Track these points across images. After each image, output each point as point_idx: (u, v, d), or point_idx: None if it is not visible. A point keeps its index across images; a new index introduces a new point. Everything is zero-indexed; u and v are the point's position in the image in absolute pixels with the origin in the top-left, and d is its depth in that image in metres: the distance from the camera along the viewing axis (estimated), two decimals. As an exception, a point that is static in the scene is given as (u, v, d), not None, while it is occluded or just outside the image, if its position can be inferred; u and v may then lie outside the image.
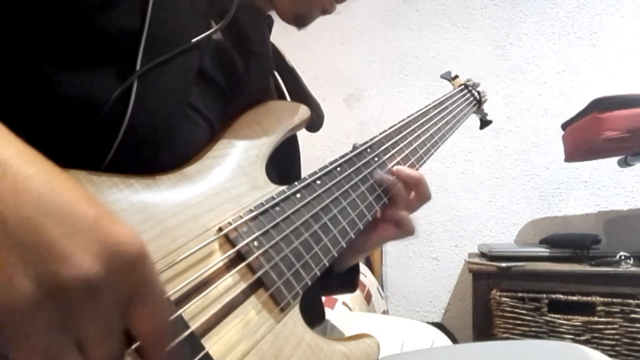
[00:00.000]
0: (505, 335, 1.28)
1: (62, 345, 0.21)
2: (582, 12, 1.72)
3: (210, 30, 0.40)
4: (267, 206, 0.40)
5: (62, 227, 0.22)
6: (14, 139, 0.23)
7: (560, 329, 1.23)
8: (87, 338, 0.22)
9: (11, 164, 0.22)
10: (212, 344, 0.32)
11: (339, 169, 0.49)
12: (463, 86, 0.84)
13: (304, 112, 0.52)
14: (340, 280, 0.61)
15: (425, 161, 0.63)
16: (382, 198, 0.53)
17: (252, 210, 0.39)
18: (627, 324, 1.19)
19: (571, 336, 1.22)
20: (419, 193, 0.56)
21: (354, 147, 0.54)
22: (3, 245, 0.20)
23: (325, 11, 0.56)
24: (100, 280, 0.22)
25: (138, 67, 0.34)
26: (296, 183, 0.44)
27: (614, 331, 1.19)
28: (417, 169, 0.60)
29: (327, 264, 0.43)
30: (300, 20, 0.55)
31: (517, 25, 1.79)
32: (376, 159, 0.55)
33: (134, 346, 0.25)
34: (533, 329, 1.26)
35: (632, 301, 1.19)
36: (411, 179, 0.55)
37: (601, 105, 1.22)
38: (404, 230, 0.56)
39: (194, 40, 0.38)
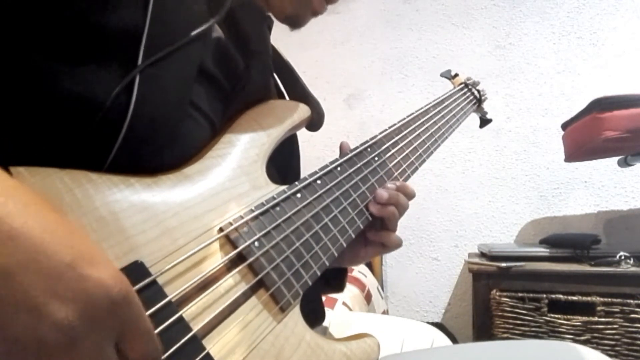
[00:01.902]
0: (505, 335, 1.28)
1: None
2: (582, 12, 1.72)
3: (208, 23, 0.40)
4: (267, 206, 0.40)
5: (36, 276, 0.20)
6: None
7: (560, 329, 1.23)
8: None
9: None
10: (212, 344, 0.32)
11: (339, 168, 0.49)
12: (463, 85, 0.84)
13: (304, 111, 0.52)
14: (327, 280, 0.60)
15: (425, 160, 0.63)
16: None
17: (252, 210, 0.39)
18: (627, 324, 1.19)
19: (571, 336, 1.22)
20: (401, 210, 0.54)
21: (342, 149, 0.54)
22: None
23: (316, 12, 0.56)
24: (78, 329, 0.21)
25: (139, 63, 0.34)
26: (297, 183, 0.44)
27: (614, 331, 1.19)
28: (417, 168, 0.60)
29: (327, 264, 0.44)
30: (292, 21, 0.55)
31: (517, 25, 1.79)
32: (376, 158, 0.55)
33: None
34: (533, 329, 1.26)
35: (632, 301, 1.19)
36: (393, 200, 0.53)
37: (601, 105, 1.22)
38: (391, 247, 0.54)
39: (193, 33, 0.38)
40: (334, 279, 0.61)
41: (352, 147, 0.55)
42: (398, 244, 0.55)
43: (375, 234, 0.54)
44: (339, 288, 0.63)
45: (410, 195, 0.55)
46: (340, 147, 0.56)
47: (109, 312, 0.22)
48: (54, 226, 0.22)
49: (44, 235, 0.21)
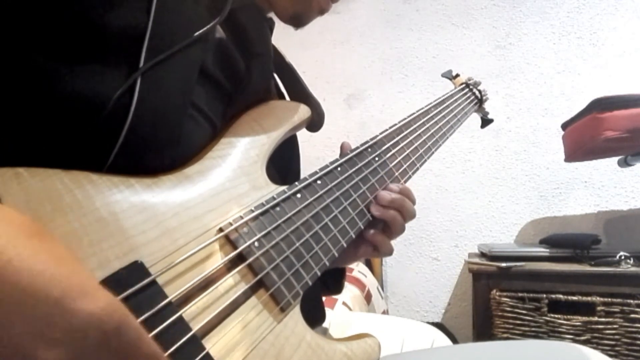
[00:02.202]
0: (505, 335, 1.28)
1: None
2: (582, 12, 1.72)
3: (210, 24, 0.40)
4: (267, 206, 0.40)
5: (23, 320, 0.19)
6: None
7: (560, 329, 1.23)
8: None
9: None
10: (212, 344, 0.32)
11: (339, 169, 0.49)
12: (464, 85, 0.84)
13: (304, 111, 0.52)
14: (324, 282, 0.60)
15: (426, 160, 0.63)
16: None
17: (252, 211, 0.39)
18: (627, 324, 1.19)
19: (571, 336, 1.22)
20: (405, 217, 0.54)
21: (343, 149, 0.54)
22: None
23: (323, 10, 0.56)
24: None
25: (141, 64, 0.34)
26: (297, 183, 0.44)
27: (614, 331, 1.19)
28: (418, 168, 0.60)
29: (327, 264, 0.44)
30: (297, 20, 0.55)
31: (517, 25, 1.79)
32: (377, 158, 0.55)
33: None
34: (533, 329, 1.26)
35: (632, 301, 1.19)
36: (396, 205, 0.52)
37: (601, 105, 1.22)
38: (382, 252, 0.54)
39: (195, 34, 0.38)
40: (332, 280, 0.61)
41: (352, 147, 0.55)
42: (389, 251, 0.54)
43: (373, 234, 0.52)
44: (337, 290, 0.63)
45: (413, 201, 0.54)
46: (341, 148, 0.56)
47: (101, 347, 0.21)
48: (42, 259, 0.21)
49: (31, 273, 0.20)
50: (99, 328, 0.21)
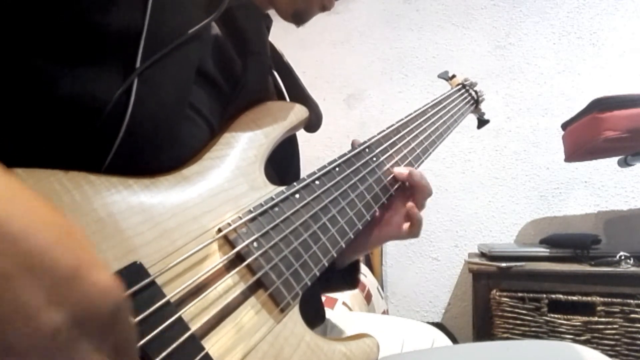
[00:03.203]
0: (505, 335, 1.28)
1: None
2: (582, 12, 1.72)
3: (204, 21, 0.40)
4: (266, 207, 0.40)
5: (37, 281, 0.20)
6: None
7: (560, 329, 1.23)
8: None
9: None
10: (212, 344, 0.32)
11: (337, 169, 0.49)
12: (460, 86, 0.84)
13: (302, 112, 0.52)
14: (342, 276, 0.61)
15: (423, 161, 0.63)
16: (381, 198, 0.54)
17: (251, 211, 0.39)
18: (627, 324, 1.19)
19: (571, 336, 1.22)
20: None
21: (353, 145, 0.54)
22: None
23: (324, 7, 0.56)
24: (75, 336, 0.21)
25: (138, 64, 0.34)
26: (295, 183, 0.44)
27: (614, 331, 1.19)
28: (415, 168, 0.60)
29: (326, 264, 0.44)
30: (299, 17, 0.55)
31: (517, 25, 1.79)
32: (374, 159, 0.55)
33: None
34: (533, 329, 1.26)
35: (632, 301, 1.19)
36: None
37: (601, 105, 1.22)
38: (412, 231, 0.56)
39: (190, 31, 0.38)
40: (346, 272, 0.61)
41: (351, 146, 0.55)
42: (420, 225, 0.56)
43: (412, 206, 0.55)
44: (353, 284, 0.63)
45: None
46: (352, 145, 0.56)
47: (108, 320, 0.22)
48: (58, 230, 0.22)
49: (49, 240, 0.21)
50: (107, 301, 0.22)
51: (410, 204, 0.56)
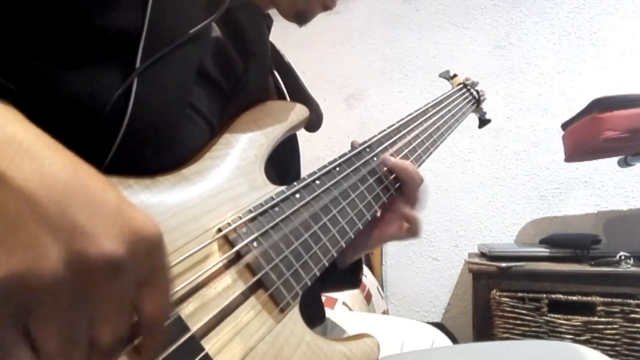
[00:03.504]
0: (505, 335, 1.28)
1: (77, 325, 0.22)
2: (582, 12, 1.72)
3: (205, 21, 0.40)
4: (266, 207, 0.40)
5: (88, 211, 0.23)
6: (36, 129, 0.24)
7: (560, 329, 1.23)
8: (101, 314, 0.23)
9: (37, 151, 0.23)
10: (211, 344, 0.32)
11: (337, 168, 0.49)
12: (462, 85, 0.84)
13: (302, 112, 0.52)
14: (344, 276, 0.61)
15: (424, 160, 0.63)
16: (382, 197, 0.53)
17: (251, 211, 0.39)
18: (627, 324, 1.19)
19: (571, 336, 1.22)
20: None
21: (353, 146, 0.54)
22: (33, 223, 0.21)
23: (326, 7, 0.56)
24: (123, 261, 0.23)
25: (138, 64, 0.34)
26: (295, 183, 0.44)
27: (614, 331, 1.19)
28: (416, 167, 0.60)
29: (326, 264, 0.43)
30: (301, 17, 0.55)
31: (517, 25, 1.79)
32: (375, 158, 0.55)
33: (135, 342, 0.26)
34: (533, 329, 1.26)
35: (632, 301, 1.19)
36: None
37: (601, 105, 1.22)
38: (410, 231, 0.55)
39: (191, 31, 0.38)
40: (348, 271, 0.61)
41: (350, 146, 0.55)
42: (419, 226, 0.55)
43: (403, 206, 0.55)
44: (355, 284, 0.63)
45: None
46: (352, 146, 0.56)
47: (149, 253, 0.24)
48: (97, 174, 0.25)
49: (92, 180, 0.24)
50: (147, 236, 0.24)
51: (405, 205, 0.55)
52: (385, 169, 0.55)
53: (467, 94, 0.83)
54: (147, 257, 0.24)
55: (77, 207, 0.22)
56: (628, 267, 1.23)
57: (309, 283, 0.41)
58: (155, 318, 0.26)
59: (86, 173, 0.24)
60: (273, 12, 0.59)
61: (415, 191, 0.56)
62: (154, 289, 0.25)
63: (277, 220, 0.40)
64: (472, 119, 0.96)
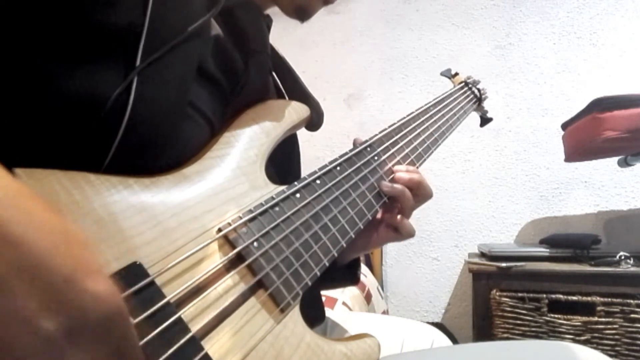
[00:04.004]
0: (505, 335, 1.28)
1: None
2: (582, 12, 1.72)
3: (204, 17, 0.40)
4: (266, 206, 0.40)
5: (32, 287, 0.20)
6: None
7: (560, 329, 1.23)
8: None
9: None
10: (211, 345, 0.32)
11: (338, 168, 0.49)
12: (463, 84, 0.84)
13: (303, 111, 0.52)
14: (343, 273, 0.61)
15: (425, 159, 0.63)
16: (382, 197, 0.53)
17: (251, 211, 0.39)
18: (627, 324, 1.19)
19: (571, 336, 1.22)
20: (420, 195, 0.56)
21: (355, 144, 0.54)
22: None
23: (327, 1, 0.56)
24: (69, 343, 0.20)
25: (138, 62, 0.34)
26: (296, 183, 0.44)
27: (614, 331, 1.19)
28: (417, 168, 0.60)
29: (327, 264, 0.43)
30: (302, 13, 0.55)
31: (517, 25, 1.79)
32: (376, 157, 0.55)
33: None
34: (533, 329, 1.26)
35: (632, 301, 1.19)
36: (412, 184, 0.55)
37: (601, 105, 1.22)
38: (403, 234, 0.56)
39: (190, 28, 0.38)
40: (347, 268, 0.61)
41: (352, 144, 0.55)
42: (410, 232, 0.56)
43: (391, 216, 0.55)
44: (354, 281, 0.63)
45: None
46: (354, 144, 0.56)
47: (103, 328, 0.22)
48: (56, 235, 0.22)
49: (46, 246, 0.21)
50: (102, 309, 0.22)
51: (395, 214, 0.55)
52: (386, 168, 0.55)
53: (469, 92, 0.83)
54: (103, 331, 0.22)
55: (16, 285, 0.20)
56: (628, 267, 1.23)
57: (310, 283, 0.41)
58: None
59: (37, 238, 0.21)
60: (273, 12, 0.59)
61: (422, 203, 0.57)
62: None
63: (278, 220, 0.40)
64: (473, 118, 0.96)
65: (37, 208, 0.22)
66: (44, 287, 0.20)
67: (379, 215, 0.56)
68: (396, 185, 0.54)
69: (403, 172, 0.55)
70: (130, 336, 0.23)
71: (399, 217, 0.55)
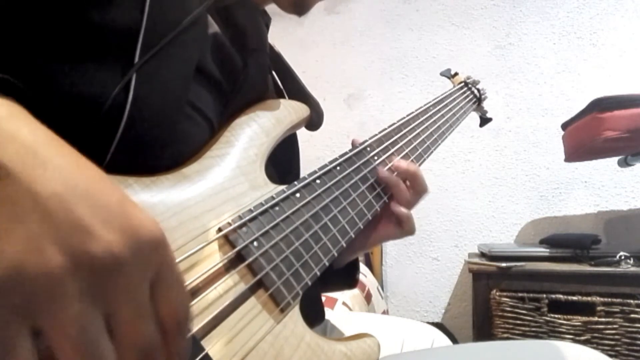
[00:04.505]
0: (505, 335, 1.28)
1: (91, 318, 0.22)
2: (582, 12, 1.72)
3: (199, 8, 0.40)
4: (266, 206, 0.40)
5: (90, 206, 0.22)
6: (39, 125, 0.24)
7: (560, 329, 1.23)
8: (117, 314, 0.23)
9: (41, 146, 0.23)
10: (211, 345, 0.32)
11: (338, 168, 0.49)
12: (463, 84, 0.84)
13: (303, 110, 0.52)
14: (341, 276, 0.61)
15: (425, 159, 0.63)
16: (382, 197, 0.53)
17: (251, 211, 0.39)
18: (627, 324, 1.19)
19: (571, 336, 1.22)
20: (415, 187, 0.56)
21: (353, 145, 0.54)
22: (35, 218, 0.21)
23: None
24: (126, 257, 0.22)
25: (137, 60, 0.34)
26: (296, 183, 0.44)
27: (614, 331, 1.19)
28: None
29: (327, 264, 0.43)
30: (299, 7, 0.55)
31: (517, 25, 1.79)
32: (376, 157, 0.55)
33: None
34: (533, 329, 1.26)
35: (632, 301, 1.19)
36: (408, 174, 0.55)
37: (601, 105, 1.22)
38: (405, 229, 0.55)
39: (185, 20, 0.38)
40: (345, 271, 0.61)
41: (351, 145, 0.55)
42: (412, 227, 0.56)
43: (392, 206, 0.55)
44: (352, 284, 0.63)
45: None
46: (352, 145, 0.56)
47: (152, 250, 0.24)
48: (100, 172, 0.25)
49: (95, 177, 0.24)
50: (149, 234, 0.24)
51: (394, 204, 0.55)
52: (385, 169, 0.55)
53: (468, 92, 0.83)
54: (151, 254, 0.24)
55: (78, 202, 0.22)
56: (628, 267, 1.23)
57: (310, 283, 0.41)
58: (173, 318, 0.25)
59: (89, 170, 0.24)
60: (272, 12, 0.59)
61: (419, 199, 0.57)
62: (166, 288, 0.25)
63: (278, 220, 0.40)
64: (473, 118, 0.96)
65: (78, 153, 0.25)
66: (102, 205, 0.23)
67: (384, 208, 0.56)
68: (393, 175, 0.54)
69: (401, 162, 0.56)
70: (172, 261, 0.25)
71: (401, 208, 0.54)
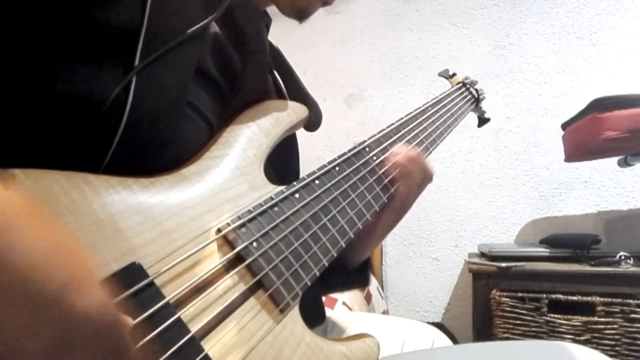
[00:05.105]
0: (505, 335, 1.28)
1: None
2: (582, 12, 1.72)
3: (204, 21, 0.40)
4: (265, 207, 0.40)
5: (19, 308, 0.20)
6: None
7: (560, 329, 1.23)
8: None
9: None
10: (211, 345, 0.32)
11: (337, 168, 0.49)
12: (461, 84, 0.84)
13: (302, 111, 0.52)
14: (354, 275, 0.61)
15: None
16: (382, 197, 0.53)
17: (250, 211, 0.39)
18: (627, 324, 1.19)
19: (571, 336, 1.22)
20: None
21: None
22: None
23: (326, 2, 0.56)
24: (63, 353, 0.20)
25: (137, 62, 0.34)
26: (295, 183, 0.44)
27: (614, 331, 1.19)
28: None
29: (326, 264, 0.43)
30: (301, 14, 0.55)
31: (517, 25, 1.78)
32: (375, 158, 0.55)
33: None
34: (533, 329, 1.26)
35: (632, 301, 1.18)
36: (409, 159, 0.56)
37: (601, 105, 1.22)
38: (425, 179, 0.57)
39: (189, 31, 0.38)
40: (358, 271, 0.61)
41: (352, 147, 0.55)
42: (430, 171, 0.57)
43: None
44: (365, 282, 0.63)
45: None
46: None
47: (93, 341, 0.22)
48: (45, 245, 0.21)
49: (32, 260, 0.20)
50: (91, 324, 0.21)
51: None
52: (385, 168, 0.55)
53: (467, 92, 0.83)
54: (91, 345, 0.22)
55: (4, 303, 0.19)
56: (628, 267, 1.23)
57: (309, 283, 0.41)
58: None
59: (26, 251, 0.20)
60: (272, 12, 0.59)
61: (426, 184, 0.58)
62: None
63: (277, 220, 0.40)
64: (472, 118, 0.96)
65: (25, 222, 0.21)
66: (28, 305, 0.20)
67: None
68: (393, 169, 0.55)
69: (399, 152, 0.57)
70: (123, 345, 0.23)
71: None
